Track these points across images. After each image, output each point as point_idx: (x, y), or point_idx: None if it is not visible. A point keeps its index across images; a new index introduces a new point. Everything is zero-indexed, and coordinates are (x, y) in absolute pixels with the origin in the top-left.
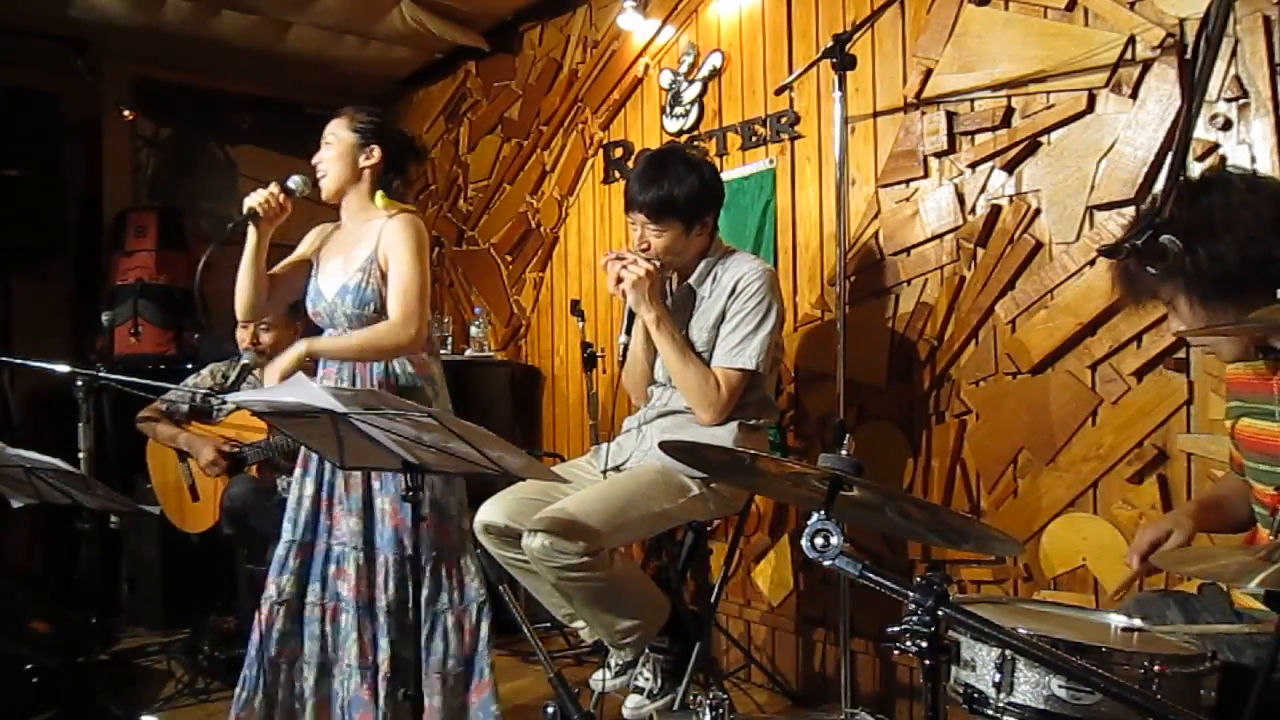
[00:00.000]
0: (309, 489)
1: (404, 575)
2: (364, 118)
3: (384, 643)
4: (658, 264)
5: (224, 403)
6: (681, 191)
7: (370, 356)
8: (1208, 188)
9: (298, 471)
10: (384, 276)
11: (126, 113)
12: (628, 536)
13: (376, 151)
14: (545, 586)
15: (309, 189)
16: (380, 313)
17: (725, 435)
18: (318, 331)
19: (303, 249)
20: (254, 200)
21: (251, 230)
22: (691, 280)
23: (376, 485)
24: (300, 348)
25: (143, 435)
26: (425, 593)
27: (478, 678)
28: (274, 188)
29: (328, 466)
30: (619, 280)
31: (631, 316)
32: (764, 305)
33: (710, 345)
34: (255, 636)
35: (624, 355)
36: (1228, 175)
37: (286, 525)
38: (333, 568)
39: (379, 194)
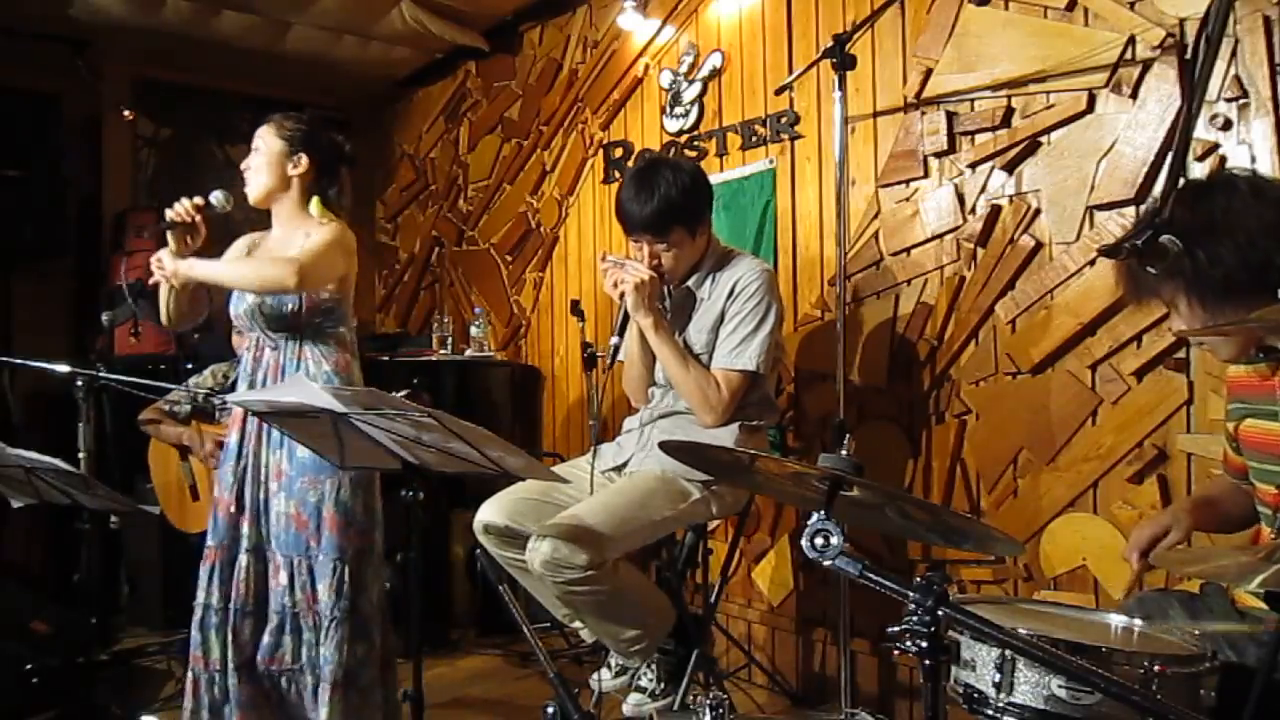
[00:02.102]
0: (214, 493)
1: (312, 576)
2: (291, 125)
3: (269, 641)
4: (657, 275)
5: (224, 403)
6: (678, 195)
7: (251, 284)
8: (1211, 190)
9: (221, 478)
10: None
11: (126, 113)
12: (630, 545)
13: (304, 160)
14: (547, 590)
15: (230, 205)
16: (299, 315)
17: (726, 436)
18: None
19: (229, 257)
20: (169, 211)
21: (171, 241)
22: (690, 282)
23: (274, 486)
24: (176, 266)
25: (143, 435)
26: (326, 598)
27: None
28: (195, 200)
29: (229, 469)
30: (616, 284)
31: (625, 318)
32: (763, 306)
33: (710, 347)
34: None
35: (614, 356)
36: (1233, 178)
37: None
38: (239, 572)
39: (314, 200)
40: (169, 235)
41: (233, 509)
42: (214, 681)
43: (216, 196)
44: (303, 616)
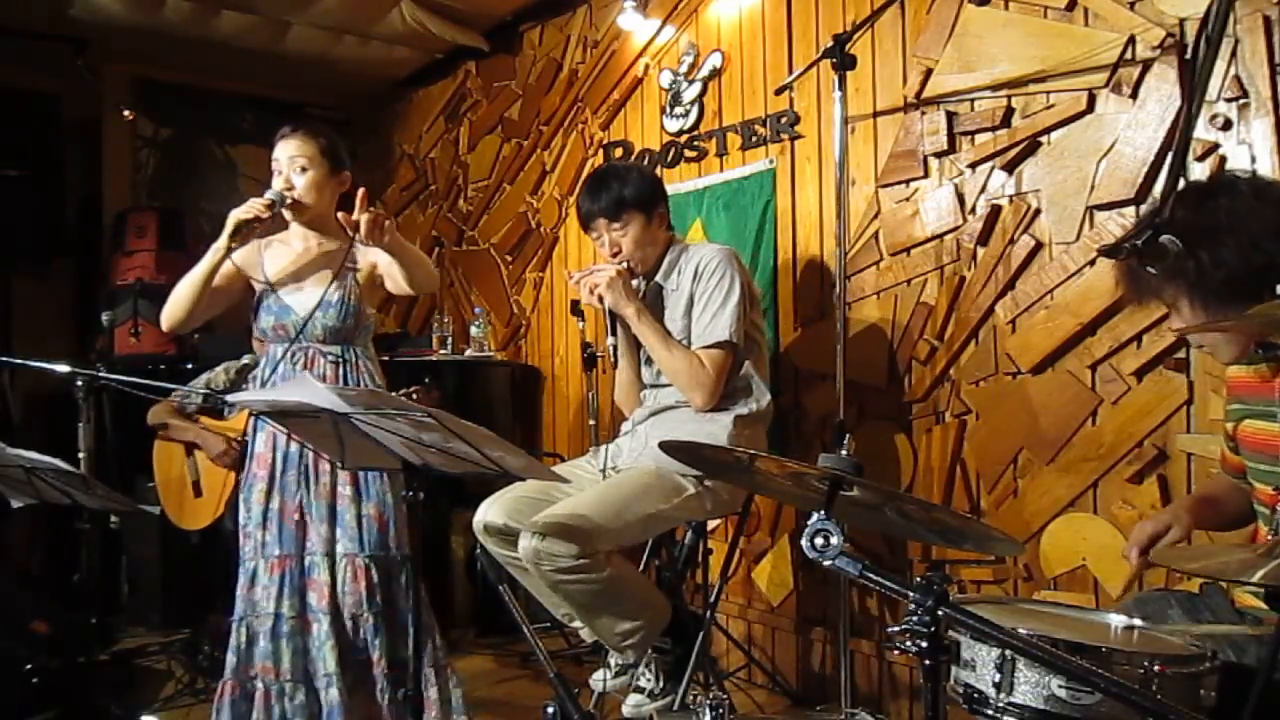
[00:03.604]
0: (275, 502)
1: (388, 575)
2: (329, 144)
3: (378, 642)
4: (626, 264)
5: (224, 402)
6: (630, 188)
7: (422, 272)
8: (1214, 191)
9: (259, 486)
10: (362, 293)
11: (126, 113)
12: (624, 538)
13: (347, 177)
14: (544, 586)
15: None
16: (358, 327)
17: (720, 431)
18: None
19: (239, 261)
20: (249, 212)
21: (228, 240)
22: (658, 277)
23: (349, 491)
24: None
25: (145, 434)
26: (402, 597)
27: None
28: (265, 199)
29: (292, 476)
30: (592, 289)
31: (613, 318)
32: (727, 280)
33: (686, 333)
34: (232, 657)
35: (615, 355)
36: (1235, 179)
37: (255, 541)
38: (306, 579)
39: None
40: (237, 235)
41: (297, 516)
42: (284, 692)
43: (275, 194)
44: (380, 615)
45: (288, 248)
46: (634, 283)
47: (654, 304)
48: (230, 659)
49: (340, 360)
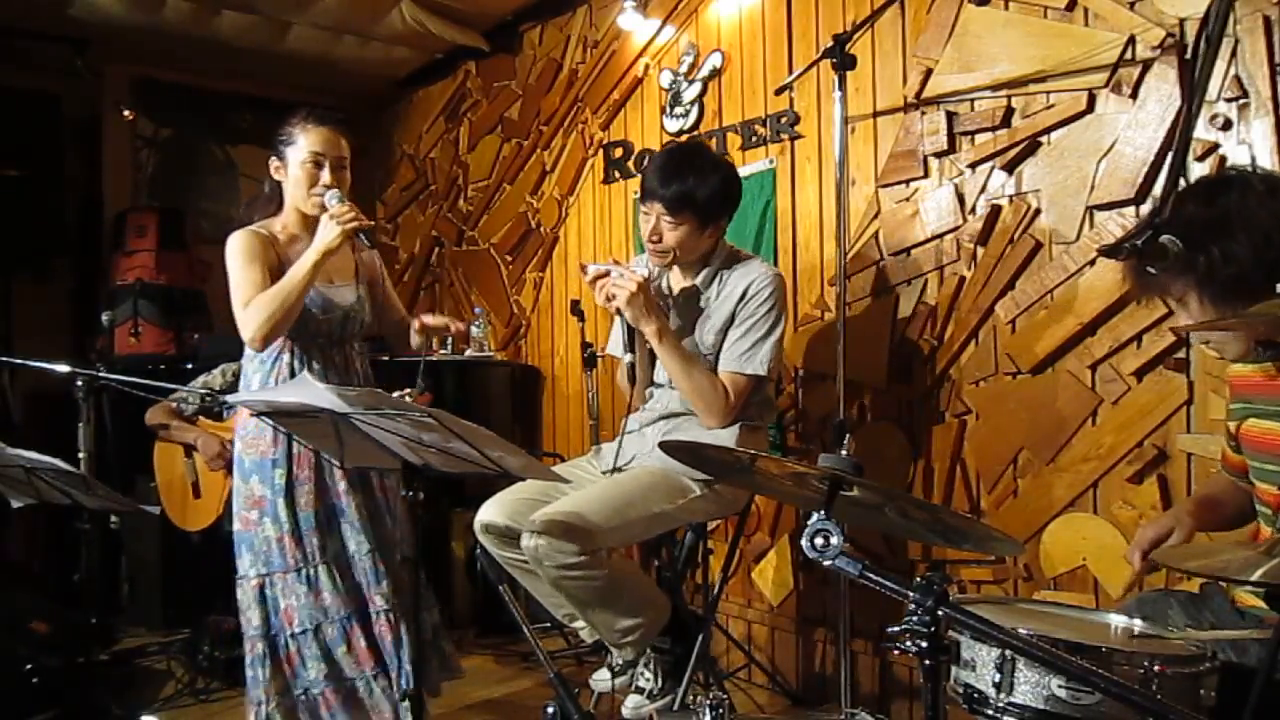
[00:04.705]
0: (351, 499)
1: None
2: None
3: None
4: (647, 273)
5: (225, 404)
6: (704, 191)
7: (420, 340)
8: (1227, 186)
9: (306, 487)
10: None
11: (126, 113)
12: (626, 537)
13: None
14: (545, 586)
15: None
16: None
17: (727, 436)
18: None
19: (263, 262)
20: (356, 220)
21: (334, 244)
22: (698, 282)
23: (392, 482)
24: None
25: (146, 434)
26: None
27: None
28: (346, 201)
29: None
30: (610, 297)
31: (631, 332)
32: (775, 312)
33: (717, 348)
34: (319, 666)
35: (631, 372)
36: (1248, 175)
37: (312, 545)
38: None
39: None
40: (355, 238)
41: (369, 507)
42: (375, 678)
43: (336, 193)
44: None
45: (304, 245)
46: (657, 272)
47: (688, 308)
48: (313, 670)
49: (363, 354)
